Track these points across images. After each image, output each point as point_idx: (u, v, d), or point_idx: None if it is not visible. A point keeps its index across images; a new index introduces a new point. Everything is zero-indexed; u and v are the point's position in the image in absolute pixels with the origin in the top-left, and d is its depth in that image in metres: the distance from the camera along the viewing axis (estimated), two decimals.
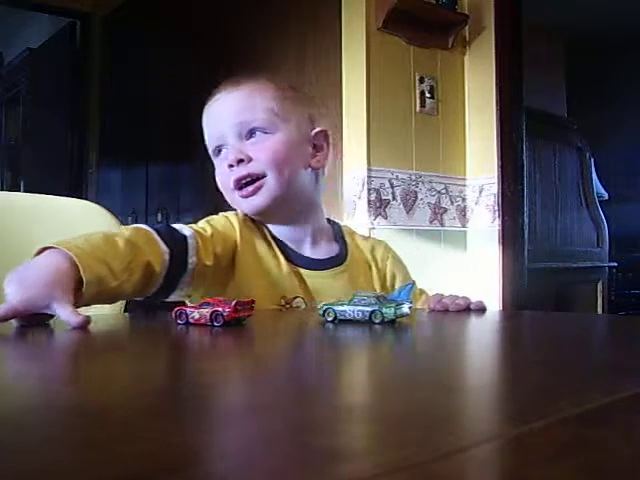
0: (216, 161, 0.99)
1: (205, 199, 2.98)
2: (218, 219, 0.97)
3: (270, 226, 1.01)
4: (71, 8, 3.82)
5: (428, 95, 2.30)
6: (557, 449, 0.24)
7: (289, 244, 0.99)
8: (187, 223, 0.94)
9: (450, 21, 2.32)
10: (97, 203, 1.23)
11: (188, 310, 0.69)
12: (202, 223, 0.94)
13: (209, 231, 0.91)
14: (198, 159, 2.89)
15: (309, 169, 0.99)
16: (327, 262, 1.00)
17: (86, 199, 1.31)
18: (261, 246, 0.96)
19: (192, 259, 0.86)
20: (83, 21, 3.88)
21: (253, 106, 0.95)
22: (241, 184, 0.94)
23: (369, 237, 1.14)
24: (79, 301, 0.70)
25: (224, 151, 0.96)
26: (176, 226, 0.89)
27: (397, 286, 1.03)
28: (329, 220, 1.08)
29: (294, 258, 0.98)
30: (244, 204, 0.96)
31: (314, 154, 1.00)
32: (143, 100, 3.35)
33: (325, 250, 1.02)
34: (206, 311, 0.68)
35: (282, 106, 0.96)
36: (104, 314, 0.89)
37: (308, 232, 1.01)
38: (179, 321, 0.70)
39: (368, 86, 2.16)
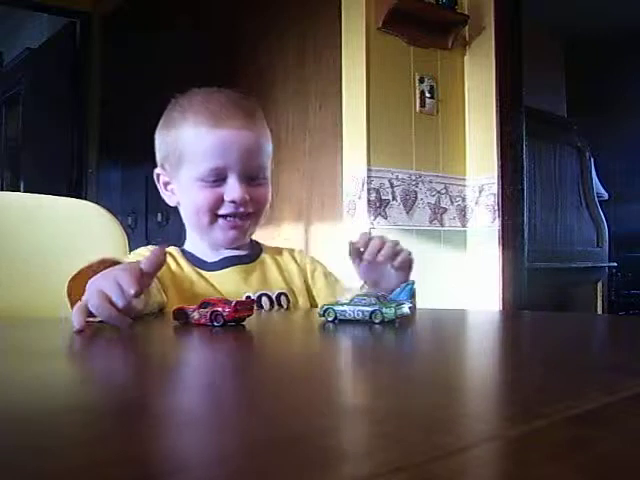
0: (198, 183, 0.97)
1: None
2: (133, 257, 1.00)
3: (191, 241, 1.06)
4: (71, 8, 3.81)
5: (428, 95, 2.30)
6: (557, 449, 0.24)
7: (201, 255, 1.03)
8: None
9: (450, 21, 2.32)
10: (97, 203, 1.23)
11: (188, 310, 0.69)
12: (131, 256, 1.00)
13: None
14: None
15: None
16: (235, 259, 1.03)
17: (86, 199, 1.31)
18: (172, 266, 1.00)
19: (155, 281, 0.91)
20: (83, 21, 3.87)
21: (262, 152, 1.00)
22: (232, 214, 0.98)
23: (287, 248, 1.17)
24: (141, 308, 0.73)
25: (225, 182, 0.97)
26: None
27: (319, 276, 1.09)
28: None
29: (204, 266, 1.02)
30: (222, 234, 1.00)
31: None
32: (143, 100, 3.35)
33: (237, 251, 1.05)
34: (206, 311, 0.68)
35: (271, 150, 1.03)
36: None
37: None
38: (179, 321, 0.70)
39: (368, 86, 2.16)
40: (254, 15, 2.68)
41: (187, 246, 1.06)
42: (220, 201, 0.97)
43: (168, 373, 0.45)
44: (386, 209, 2.19)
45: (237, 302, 0.67)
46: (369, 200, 2.14)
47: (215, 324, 0.67)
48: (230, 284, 0.99)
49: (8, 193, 1.34)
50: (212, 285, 0.99)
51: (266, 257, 1.08)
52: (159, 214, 3.20)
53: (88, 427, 0.28)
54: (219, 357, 0.56)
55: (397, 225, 2.21)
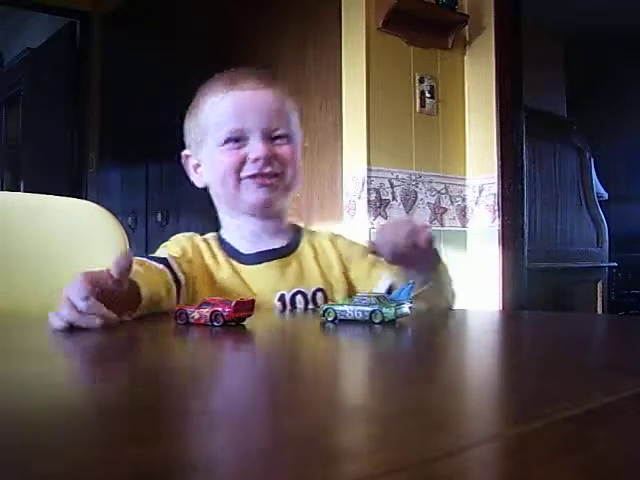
0: (221, 149, 0.97)
1: (205, 199, 2.98)
2: (171, 244, 1.01)
3: (225, 228, 1.05)
4: (71, 8, 3.81)
5: (428, 95, 2.30)
6: (557, 449, 0.24)
7: (238, 245, 1.02)
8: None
9: (450, 21, 2.32)
10: (97, 203, 1.23)
11: (188, 310, 0.69)
12: (162, 250, 0.99)
13: (175, 253, 0.96)
14: None
15: None
16: (271, 253, 1.02)
17: (86, 199, 1.31)
18: (206, 257, 1.00)
19: (180, 275, 0.92)
20: (83, 21, 3.87)
21: (284, 112, 0.99)
22: (258, 174, 0.97)
23: (327, 232, 1.14)
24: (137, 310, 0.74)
25: (247, 143, 0.96)
26: (152, 255, 0.94)
27: (356, 264, 1.04)
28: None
29: (239, 258, 1.00)
30: (251, 195, 0.97)
31: None
32: (143, 100, 3.35)
33: (276, 242, 1.03)
34: (206, 311, 0.68)
35: (297, 117, 1.03)
36: None
37: (270, 227, 1.03)
38: (179, 321, 0.70)
39: (368, 86, 2.16)
40: (254, 15, 2.68)
41: (223, 234, 1.05)
42: (244, 161, 0.96)
43: (167, 373, 0.45)
44: (386, 209, 2.19)
45: (237, 302, 0.67)
46: (369, 200, 2.14)
47: (215, 324, 0.67)
48: (264, 281, 0.98)
49: (9, 193, 1.35)
50: (244, 281, 0.98)
51: (305, 247, 1.04)
52: (159, 214, 3.20)
53: (88, 427, 0.28)
54: (218, 358, 0.56)
55: None
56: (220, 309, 0.67)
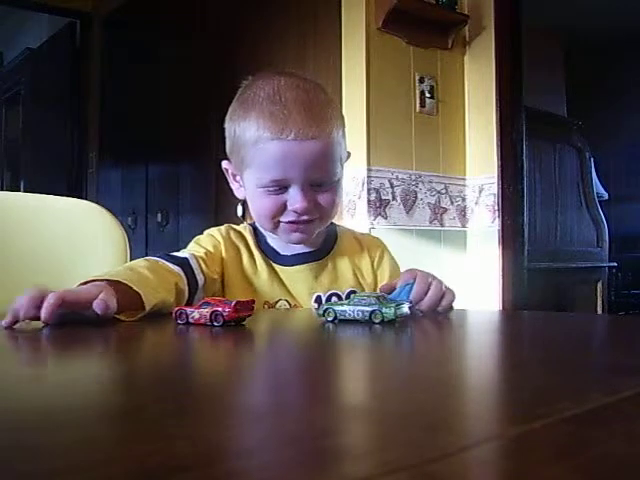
0: (260, 190, 0.94)
1: (205, 199, 2.98)
2: (205, 238, 1.01)
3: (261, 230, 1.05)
4: (71, 8, 3.81)
5: (428, 95, 2.30)
6: (557, 449, 0.24)
7: (274, 244, 1.03)
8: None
9: (450, 21, 2.32)
10: (97, 203, 1.24)
11: (188, 310, 0.69)
12: (192, 245, 1.00)
13: (202, 251, 0.97)
14: (198, 159, 2.89)
15: None
16: (308, 256, 1.02)
17: (86, 199, 1.31)
18: (244, 257, 1.01)
19: (200, 277, 0.92)
20: (83, 21, 3.88)
21: (329, 160, 0.94)
22: (295, 221, 0.96)
23: (366, 235, 1.16)
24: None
25: (288, 190, 0.94)
26: (173, 254, 0.94)
27: (384, 272, 1.06)
28: None
29: (276, 259, 1.02)
30: (287, 236, 0.98)
31: None
32: (143, 100, 3.35)
33: (311, 244, 1.04)
34: (206, 311, 0.68)
35: (345, 150, 0.99)
36: None
37: None
38: (179, 321, 0.70)
39: (368, 86, 2.16)
40: (254, 15, 2.68)
41: (259, 228, 1.04)
42: (283, 208, 0.94)
43: (165, 373, 0.45)
44: (386, 209, 2.19)
45: (237, 302, 0.67)
46: (369, 200, 2.14)
47: (215, 324, 0.67)
48: (301, 283, 0.99)
49: (9, 193, 1.35)
50: (282, 282, 0.99)
51: (339, 249, 1.05)
52: (159, 214, 3.20)
53: (87, 426, 0.28)
54: (218, 358, 0.56)
55: (397, 225, 2.21)
56: (220, 309, 0.67)
